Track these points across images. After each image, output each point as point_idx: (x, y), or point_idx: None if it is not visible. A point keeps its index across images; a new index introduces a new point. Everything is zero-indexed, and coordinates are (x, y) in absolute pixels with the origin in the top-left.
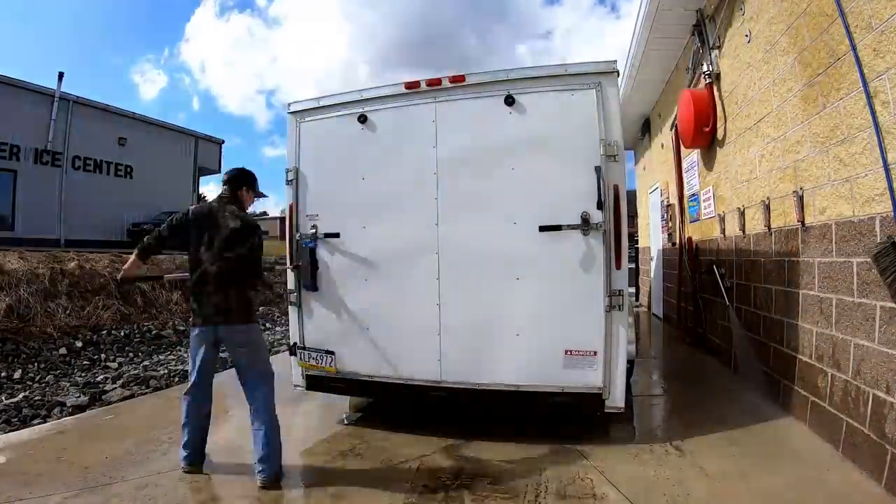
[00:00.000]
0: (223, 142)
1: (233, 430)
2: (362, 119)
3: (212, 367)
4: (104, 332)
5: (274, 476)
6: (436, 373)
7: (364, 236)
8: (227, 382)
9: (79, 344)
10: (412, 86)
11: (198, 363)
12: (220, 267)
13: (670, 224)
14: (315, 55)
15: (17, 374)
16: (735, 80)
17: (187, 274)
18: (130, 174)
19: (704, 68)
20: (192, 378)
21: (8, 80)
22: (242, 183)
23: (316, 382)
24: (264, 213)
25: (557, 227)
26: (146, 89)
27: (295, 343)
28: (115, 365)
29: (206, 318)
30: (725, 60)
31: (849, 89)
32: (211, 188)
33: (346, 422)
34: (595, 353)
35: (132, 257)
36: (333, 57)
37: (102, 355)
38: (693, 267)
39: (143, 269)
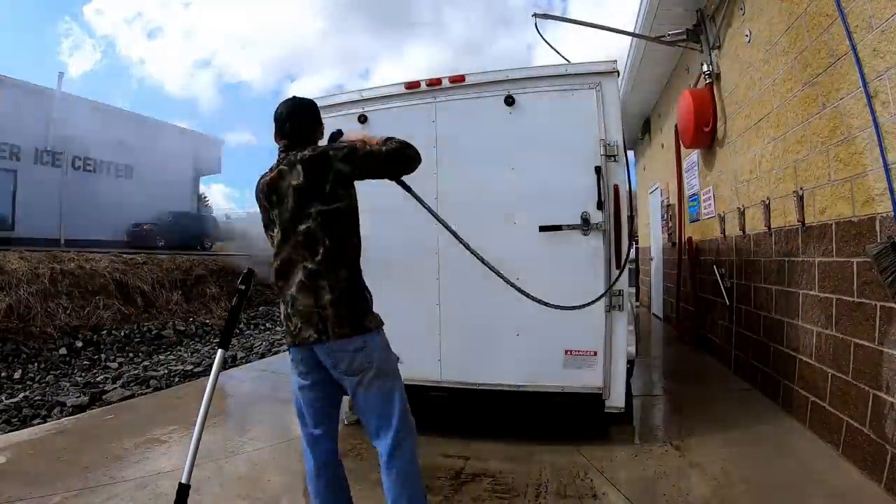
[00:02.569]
0: (223, 142)
1: (233, 430)
2: (362, 119)
3: (328, 409)
4: (104, 332)
5: None
6: (436, 373)
7: (364, 236)
8: (226, 384)
9: (79, 344)
10: (412, 86)
11: (302, 410)
12: (295, 251)
13: (670, 224)
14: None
15: (17, 374)
16: (735, 80)
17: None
18: (130, 174)
19: (704, 68)
20: (304, 438)
21: (8, 80)
22: (309, 119)
23: None
24: None
25: (557, 228)
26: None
27: None
28: (115, 365)
29: (294, 336)
30: (725, 60)
31: (849, 89)
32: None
33: (346, 422)
34: (595, 353)
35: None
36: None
37: (102, 355)
38: (693, 267)
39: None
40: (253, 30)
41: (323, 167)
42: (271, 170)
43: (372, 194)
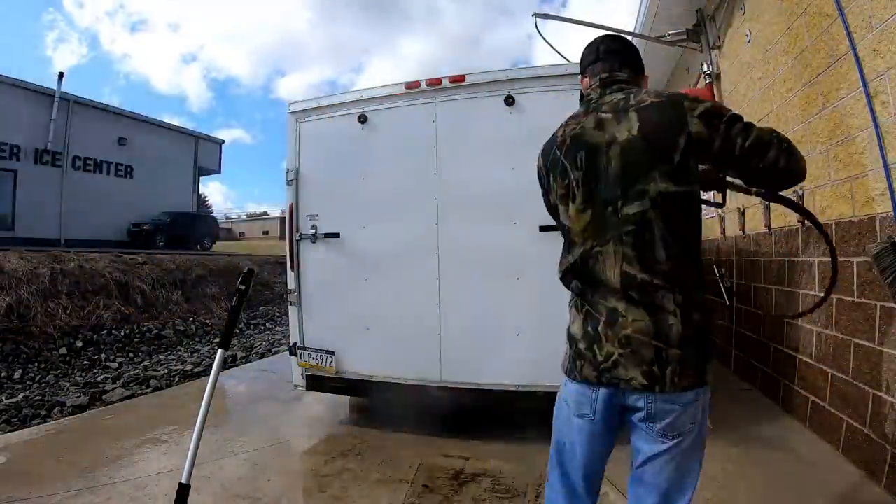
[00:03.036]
0: (223, 142)
1: (233, 430)
2: (362, 119)
3: (604, 458)
4: (104, 332)
5: None
6: (436, 373)
7: (364, 236)
8: (226, 384)
9: (79, 344)
10: (412, 86)
11: (575, 461)
12: (621, 244)
13: None
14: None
15: (17, 374)
16: (735, 80)
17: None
18: (130, 174)
19: (704, 68)
20: (556, 488)
21: (8, 80)
22: (637, 56)
23: (316, 382)
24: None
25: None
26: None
27: (295, 343)
28: (115, 365)
29: (601, 371)
30: (725, 60)
31: (849, 89)
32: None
33: (346, 422)
34: None
35: None
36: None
37: (102, 355)
38: None
39: None
40: (239, 20)
41: (674, 123)
42: (576, 119)
43: (372, 194)
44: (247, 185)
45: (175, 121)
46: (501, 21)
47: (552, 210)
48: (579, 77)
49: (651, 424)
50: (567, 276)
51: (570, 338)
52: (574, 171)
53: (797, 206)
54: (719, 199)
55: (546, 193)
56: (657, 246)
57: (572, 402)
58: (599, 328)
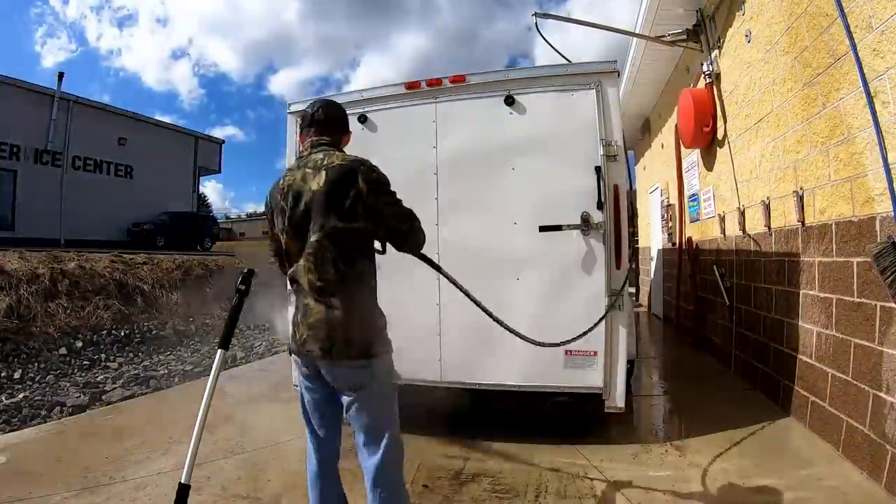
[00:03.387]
0: (223, 142)
1: (233, 430)
2: (362, 119)
3: (333, 411)
4: (104, 332)
5: None
6: (436, 373)
7: None
8: (226, 384)
9: (79, 344)
10: (412, 86)
11: (307, 410)
12: (308, 261)
13: (670, 224)
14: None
15: (17, 374)
16: (735, 80)
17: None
18: (130, 174)
19: (704, 68)
20: (309, 437)
21: (8, 80)
22: (339, 122)
23: None
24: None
25: (557, 227)
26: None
27: None
28: (115, 365)
29: (298, 346)
30: (725, 60)
31: (849, 89)
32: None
33: (346, 422)
34: (595, 353)
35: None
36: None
37: (102, 355)
38: (693, 267)
39: None
40: (228, 13)
41: (348, 180)
42: (292, 172)
43: None
44: (243, 183)
45: (167, 119)
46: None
47: (275, 238)
48: (301, 134)
49: (336, 382)
50: (290, 280)
51: (290, 325)
52: (288, 211)
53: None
54: (379, 247)
55: (272, 225)
56: (328, 263)
57: (295, 365)
58: (299, 317)
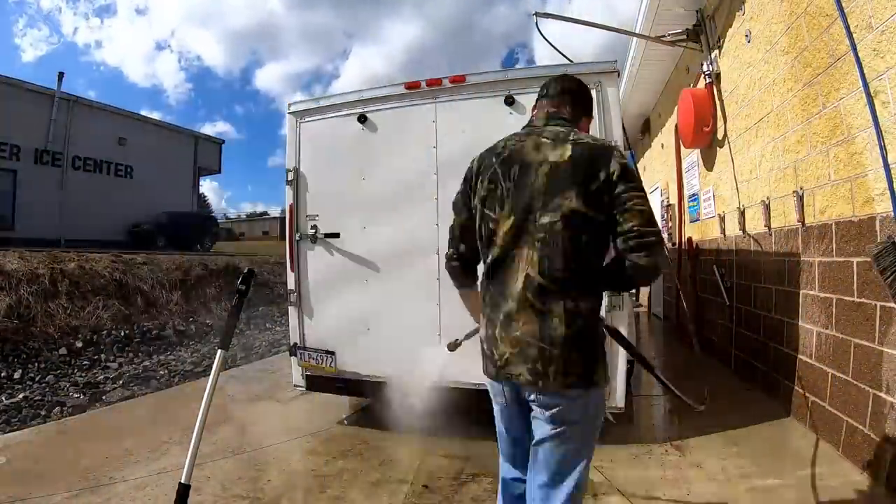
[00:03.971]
0: (223, 142)
1: (233, 430)
2: (362, 119)
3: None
4: (104, 332)
5: None
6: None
7: (364, 237)
8: (226, 384)
9: (79, 344)
10: (412, 86)
11: (510, 452)
12: (532, 248)
13: (670, 224)
14: None
15: (17, 375)
16: (735, 80)
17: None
18: (130, 174)
19: (704, 68)
20: (502, 466)
21: (8, 80)
22: (587, 104)
23: (316, 383)
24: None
25: None
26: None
27: (295, 343)
28: (115, 365)
29: (498, 368)
30: (725, 60)
31: (849, 89)
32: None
33: (346, 422)
34: None
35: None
36: None
37: (102, 355)
38: (693, 267)
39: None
40: (211, 1)
41: (601, 160)
42: (518, 138)
43: (372, 195)
44: (239, 182)
45: (155, 115)
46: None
47: (463, 207)
48: (536, 103)
49: (543, 411)
50: (487, 273)
51: (482, 338)
52: (506, 181)
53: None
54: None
55: (466, 192)
56: (559, 257)
57: (491, 393)
58: (498, 330)
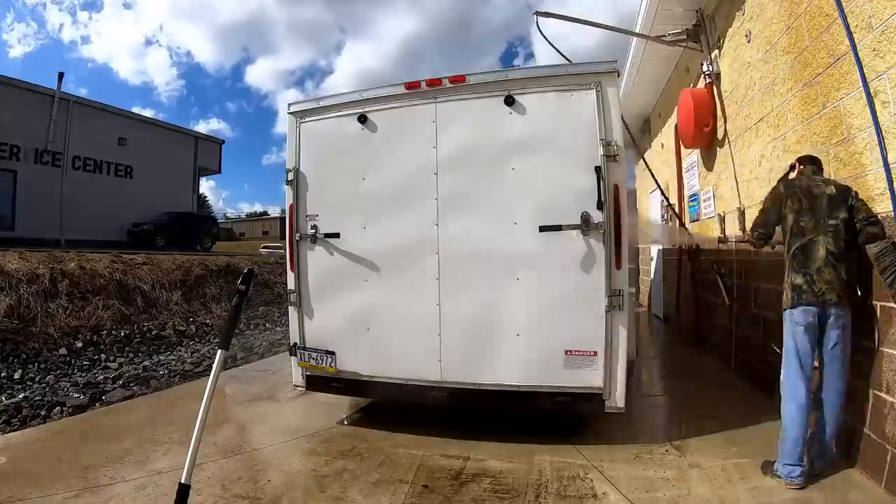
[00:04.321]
0: (223, 142)
1: (233, 430)
2: (362, 119)
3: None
4: (104, 332)
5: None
6: (436, 373)
7: (364, 236)
8: (226, 384)
9: (79, 344)
10: (412, 86)
11: (799, 352)
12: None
13: (670, 224)
14: None
15: (17, 375)
16: (735, 80)
17: None
18: (130, 174)
19: (704, 68)
20: (798, 382)
21: (8, 81)
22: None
23: (316, 383)
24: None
25: (557, 228)
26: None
27: (295, 343)
28: (115, 365)
29: (817, 296)
30: (725, 60)
31: (849, 89)
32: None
33: (346, 422)
34: (595, 353)
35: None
36: None
37: (102, 355)
38: (693, 267)
39: None
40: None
41: (844, 196)
42: (807, 178)
43: (372, 194)
44: (235, 181)
45: (147, 113)
46: None
47: (777, 217)
48: (794, 163)
49: (838, 321)
50: (796, 251)
51: (796, 286)
52: (805, 201)
53: None
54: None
55: (780, 207)
56: (842, 241)
57: (799, 318)
58: (814, 276)
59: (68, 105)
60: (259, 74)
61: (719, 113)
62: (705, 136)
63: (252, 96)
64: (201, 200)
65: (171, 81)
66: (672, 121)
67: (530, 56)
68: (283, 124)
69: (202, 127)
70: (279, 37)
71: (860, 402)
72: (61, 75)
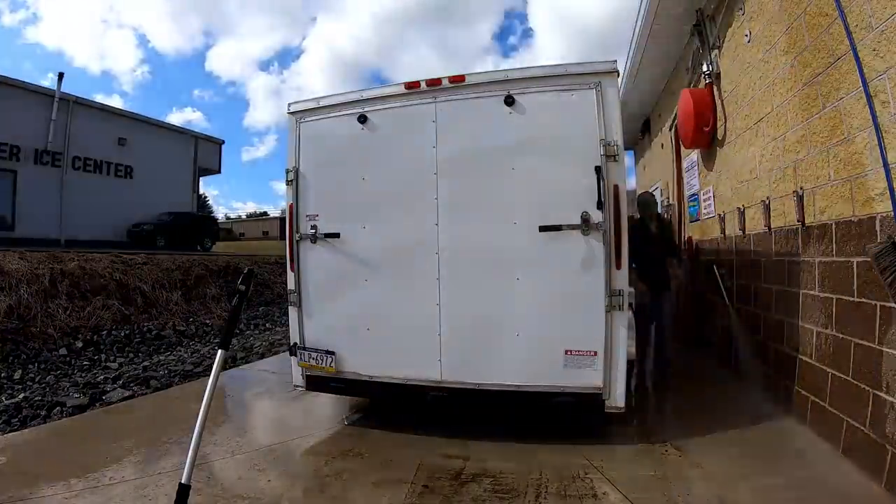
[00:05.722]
0: (223, 142)
1: (233, 430)
2: (362, 119)
3: None
4: (104, 332)
5: None
6: (436, 373)
7: (364, 236)
8: (226, 384)
9: (79, 344)
10: (412, 86)
11: None
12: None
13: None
14: None
15: (17, 375)
16: (735, 80)
17: None
18: (130, 174)
19: (704, 68)
20: None
21: (8, 81)
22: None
23: (316, 383)
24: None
25: (557, 228)
26: None
27: (295, 343)
28: (115, 365)
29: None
30: (725, 60)
31: (849, 89)
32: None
33: (346, 422)
34: (595, 353)
35: None
36: None
37: (102, 355)
38: (693, 267)
39: None
40: None
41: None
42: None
43: (372, 194)
44: (231, 179)
45: (115, 103)
46: None
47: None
48: None
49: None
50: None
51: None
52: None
53: None
54: None
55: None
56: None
57: None
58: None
59: (68, 105)
60: (223, 59)
61: (719, 113)
62: (705, 136)
63: (217, 84)
64: (201, 200)
65: (138, 67)
66: (672, 121)
67: (528, 31)
68: (261, 111)
69: (176, 117)
70: (240, 16)
71: (860, 401)
72: (61, 75)
